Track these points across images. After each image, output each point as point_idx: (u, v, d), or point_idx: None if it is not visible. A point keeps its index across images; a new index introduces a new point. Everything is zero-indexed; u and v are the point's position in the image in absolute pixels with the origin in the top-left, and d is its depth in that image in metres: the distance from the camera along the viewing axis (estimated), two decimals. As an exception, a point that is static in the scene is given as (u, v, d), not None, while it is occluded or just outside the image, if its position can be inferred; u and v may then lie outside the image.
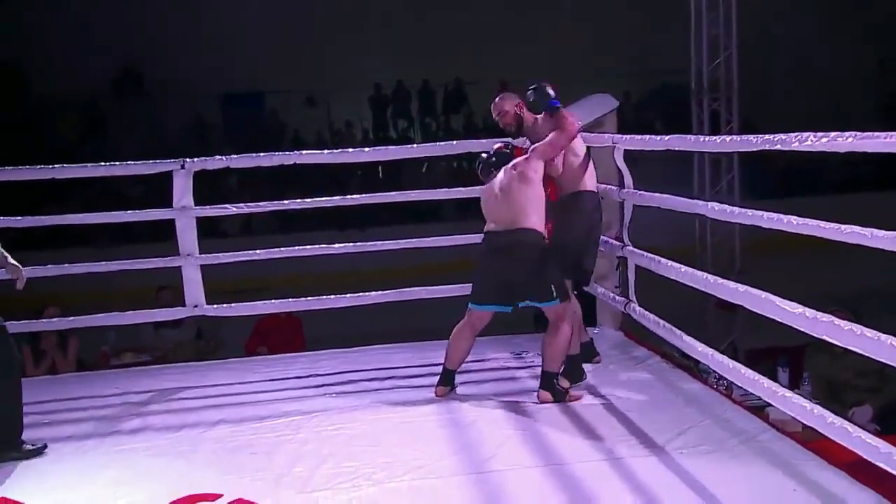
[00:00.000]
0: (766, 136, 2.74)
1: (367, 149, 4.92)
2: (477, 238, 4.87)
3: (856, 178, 12.28)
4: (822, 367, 4.45)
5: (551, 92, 3.99)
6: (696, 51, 7.46)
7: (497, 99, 4.08)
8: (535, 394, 3.78)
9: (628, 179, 4.10)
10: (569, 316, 3.77)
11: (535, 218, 3.75)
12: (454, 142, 5.03)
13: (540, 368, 3.84)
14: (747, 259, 7.66)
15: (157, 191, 9.70)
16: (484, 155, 4.08)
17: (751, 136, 2.89)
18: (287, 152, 4.61)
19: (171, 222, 4.41)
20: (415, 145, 4.99)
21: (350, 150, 4.57)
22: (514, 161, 3.92)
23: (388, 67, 14.91)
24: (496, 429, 3.46)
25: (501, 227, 3.79)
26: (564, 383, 3.86)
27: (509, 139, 4.23)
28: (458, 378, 4.04)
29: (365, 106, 15.31)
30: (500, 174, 3.91)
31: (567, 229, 3.98)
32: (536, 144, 3.92)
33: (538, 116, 4.06)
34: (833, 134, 2.31)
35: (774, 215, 2.70)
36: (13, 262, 3.43)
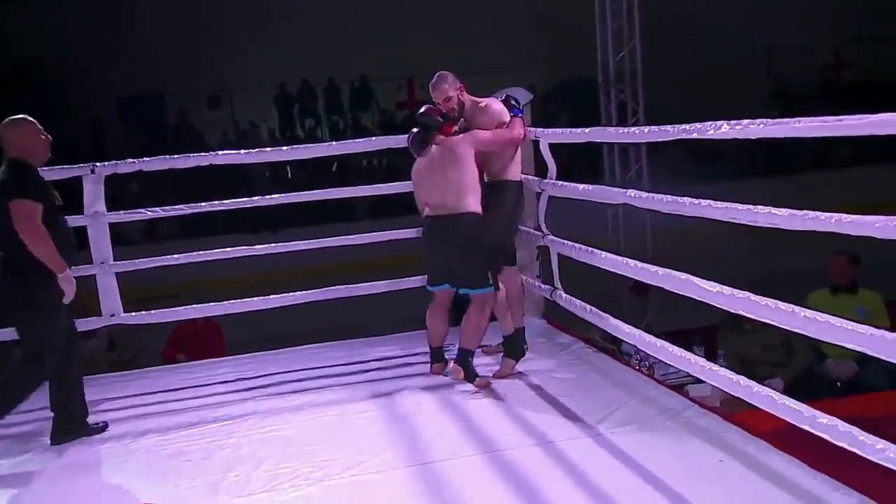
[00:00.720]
0: (683, 126, 2.88)
1: (285, 147, 4.86)
2: (393, 235, 4.98)
3: (752, 166, 12.95)
4: (734, 345, 4.71)
5: (521, 99, 4.11)
6: (602, 43, 7.69)
7: (435, 80, 3.98)
8: (467, 384, 3.87)
9: (552, 170, 4.21)
10: (493, 303, 3.92)
11: (473, 199, 3.83)
12: (373, 138, 5.05)
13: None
14: (657, 250, 7.96)
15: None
16: (415, 130, 4.02)
17: (667, 126, 3.02)
18: (201, 153, 4.51)
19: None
20: (335, 142, 4.96)
21: (268, 149, 4.51)
22: (445, 139, 3.94)
23: (292, 66, 14.74)
24: (431, 421, 3.52)
25: (441, 211, 3.86)
26: (509, 364, 4.02)
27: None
28: (386, 374, 4.15)
29: (270, 105, 15.11)
30: (431, 154, 3.93)
31: (489, 218, 4.03)
32: (477, 131, 3.93)
33: (478, 99, 4.06)
34: (745, 122, 2.45)
35: (695, 200, 2.84)
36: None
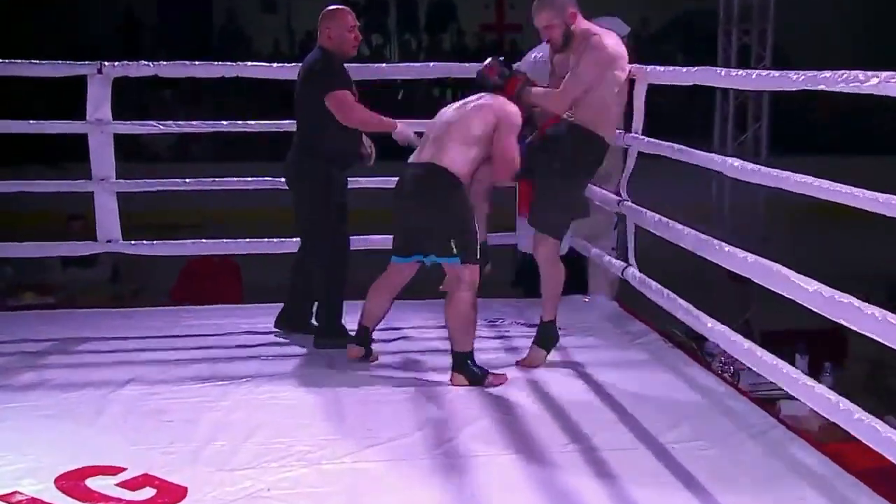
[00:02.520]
0: (808, 73, 2.68)
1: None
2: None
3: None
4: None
5: (617, 31, 3.90)
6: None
7: (541, 5, 3.78)
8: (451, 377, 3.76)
9: (639, 122, 4.05)
10: (471, 283, 3.63)
11: (459, 159, 3.61)
12: (430, 63, 4.96)
13: (519, 337, 3.88)
14: (774, 226, 7.70)
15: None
16: (490, 61, 3.84)
17: (789, 73, 2.83)
18: (228, 62, 4.50)
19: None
20: (386, 65, 4.90)
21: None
22: (490, 100, 3.73)
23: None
24: (461, 407, 3.47)
25: (417, 159, 3.71)
26: (539, 355, 3.89)
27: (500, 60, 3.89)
28: (424, 345, 4.07)
29: (333, 14, 15.11)
30: (460, 104, 3.79)
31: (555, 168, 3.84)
32: (510, 120, 3.69)
33: (592, 28, 3.79)
34: (886, 74, 2.24)
35: (802, 177, 2.67)
36: None
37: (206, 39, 14.30)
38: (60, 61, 4.21)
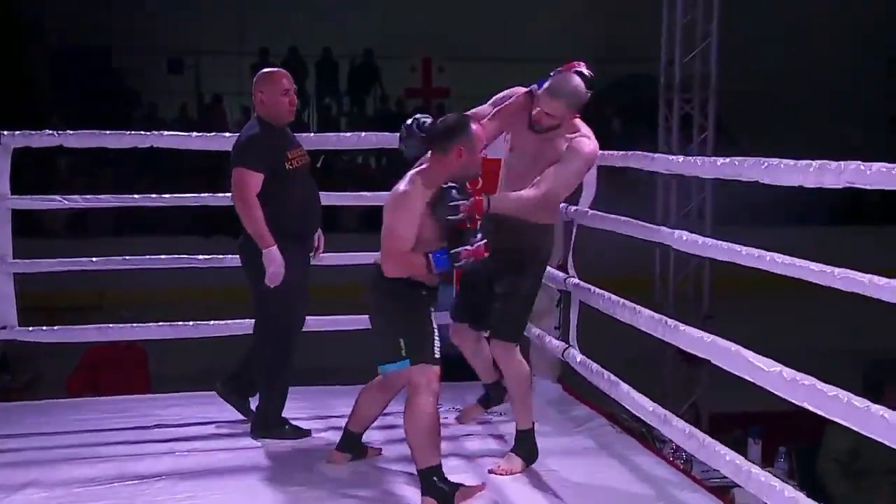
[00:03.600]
0: (755, 160, 2.84)
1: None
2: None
3: (857, 208, 12.89)
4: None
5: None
6: (668, 39, 7.70)
7: (561, 91, 3.61)
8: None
9: (589, 195, 4.19)
10: (428, 386, 3.43)
11: (384, 260, 3.44)
12: (364, 134, 5.02)
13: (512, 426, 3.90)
14: (717, 301, 7.93)
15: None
16: (408, 122, 3.71)
17: (735, 159, 2.98)
18: (141, 132, 4.53)
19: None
20: (315, 134, 4.96)
21: (227, 134, 4.52)
22: (422, 165, 3.55)
23: (278, 30, 14.86)
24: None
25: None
26: (516, 464, 3.85)
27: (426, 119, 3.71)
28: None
29: (245, 76, 15.21)
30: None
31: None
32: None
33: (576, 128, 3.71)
34: (877, 165, 2.35)
35: (756, 251, 2.81)
36: None
37: (104, 103, 14.25)
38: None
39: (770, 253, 2.74)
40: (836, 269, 2.53)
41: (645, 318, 3.54)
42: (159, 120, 13.77)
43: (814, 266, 2.62)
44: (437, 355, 3.47)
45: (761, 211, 11.32)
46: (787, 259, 2.65)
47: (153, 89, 14.93)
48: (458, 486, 3.48)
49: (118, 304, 7.94)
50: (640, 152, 3.84)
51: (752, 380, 2.80)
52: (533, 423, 3.93)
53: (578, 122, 3.74)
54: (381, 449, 3.98)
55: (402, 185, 3.46)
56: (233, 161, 3.99)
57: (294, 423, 4.23)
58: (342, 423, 3.95)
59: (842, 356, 6.28)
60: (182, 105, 14.57)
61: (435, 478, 3.42)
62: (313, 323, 4.46)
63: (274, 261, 3.93)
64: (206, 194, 4.63)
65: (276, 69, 4.23)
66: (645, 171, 4.24)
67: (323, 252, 4.37)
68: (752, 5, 13.05)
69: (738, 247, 2.93)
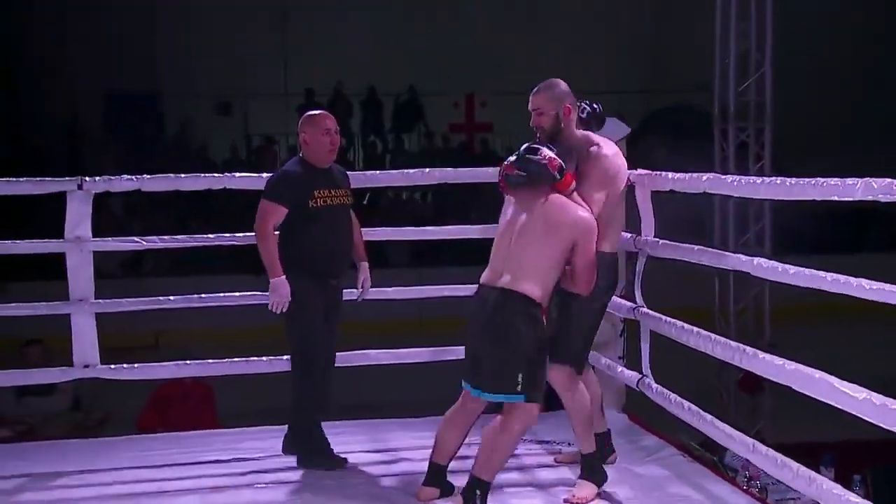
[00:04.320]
0: (819, 181, 2.89)
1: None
2: (443, 290, 5.05)
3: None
4: None
5: (615, 134, 4.09)
6: (721, 68, 7.75)
7: (539, 88, 3.88)
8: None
9: (649, 225, 4.24)
10: (527, 420, 3.59)
11: (533, 284, 3.58)
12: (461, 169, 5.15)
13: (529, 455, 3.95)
14: (776, 330, 7.90)
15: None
16: (522, 149, 3.72)
17: (800, 180, 3.04)
18: (214, 174, 4.67)
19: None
20: (408, 171, 5.06)
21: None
22: (555, 197, 3.66)
23: (323, 70, 15.08)
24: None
25: (495, 280, 3.65)
26: (588, 490, 3.87)
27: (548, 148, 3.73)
28: (418, 465, 4.08)
29: (292, 116, 15.44)
30: (526, 206, 3.68)
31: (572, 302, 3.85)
32: (587, 235, 3.66)
33: (592, 137, 3.92)
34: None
35: (841, 277, 2.84)
36: None
37: (154, 146, 14.54)
38: (41, 178, 4.34)
39: (855, 278, 2.77)
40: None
41: (722, 346, 3.57)
42: (210, 161, 14.01)
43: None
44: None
45: (812, 239, 11.33)
46: (875, 284, 2.68)
47: (202, 132, 15.19)
48: None
49: (173, 344, 8.07)
50: (717, 174, 3.88)
51: (838, 406, 2.82)
52: (598, 447, 3.96)
53: (594, 136, 3.93)
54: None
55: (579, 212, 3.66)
56: (262, 192, 4.19)
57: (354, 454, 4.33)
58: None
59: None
60: (232, 147, 14.80)
61: (479, 491, 3.56)
62: (371, 356, 4.57)
63: (276, 290, 4.09)
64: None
65: (319, 111, 4.40)
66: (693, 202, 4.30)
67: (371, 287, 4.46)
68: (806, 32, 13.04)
69: (822, 273, 2.95)
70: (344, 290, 4.37)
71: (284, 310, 4.11)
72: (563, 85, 3.90)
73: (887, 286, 2.64)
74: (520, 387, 3.53)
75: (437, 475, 3.83)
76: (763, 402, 7.38)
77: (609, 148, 3.92)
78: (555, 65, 15.41)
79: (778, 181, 3.16)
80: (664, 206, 4.35)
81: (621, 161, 3.96)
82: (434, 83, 15.35)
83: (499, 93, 15.00)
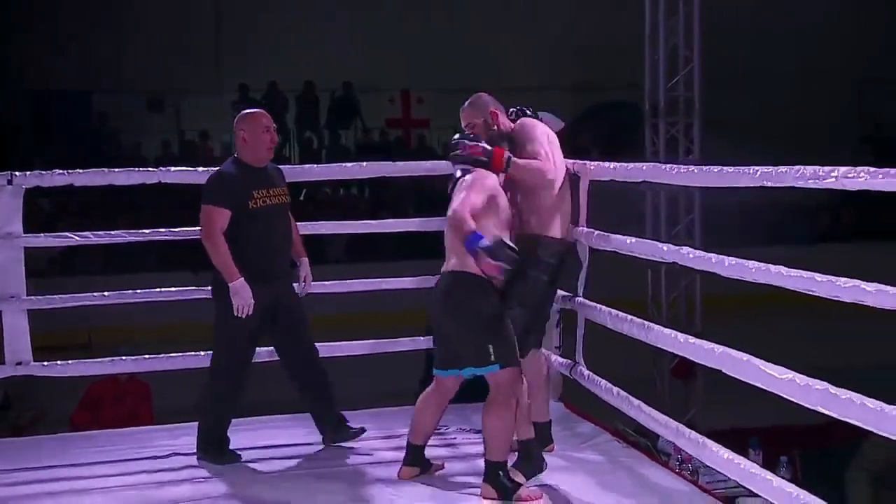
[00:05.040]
0: (764, 170, 2.98)
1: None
2: (382, 284, 5.10)
3: (835, 227, 13.18)
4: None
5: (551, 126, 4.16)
6: (651, 66, 7.89)
7: (464, 106, 4.12)
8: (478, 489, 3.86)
9: (583, 217, 4.32)
10: (514, 388, 3.72)
11: (469, 259, 3.68)
12: (399, 163, 5.17)
13: (467, 444, 4.00)
14: (706, 321, 8.06)
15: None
16: (455, 137, 3.98)
17: (743, 168, 3.13)
18: (149, 168, 4.63)
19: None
20: (341, 165, 5.08)
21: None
22: (468, 179, 3.84)
23: (257, 66, 14.97)
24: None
25: (444, 265, 3.82)
26: (518, 477, 3.88)
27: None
28: (360, 459, 4.16)
29: (226, 113, 15.27)
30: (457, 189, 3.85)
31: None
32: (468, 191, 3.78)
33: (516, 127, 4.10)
34: (843, 169, 2.54)
35: (763, 265, 2.93)
36: None
37: (85, 145, 14.29)
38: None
39: (777, 266, 2.86)
40: (842, 280, 2.64)
41: (656, 333, 3.66)
42: (142, 159, 13.81)
43: (819, 277, 2.74)
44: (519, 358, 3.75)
45: (742, 231, 11.58)
46: (795, 272, 2.77)
47: (134, 129, 14.98)
48: (519, 485, 3.71)
49: (106, 342, 7.98)
50: (655, 164, 3.98)
51: (764, 387, 2.92)
52: (537, 435, 4.05)
53: (528, 121, 4.15)
54: (443, 463, 4.08)
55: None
56: (201, 198, 4.16)
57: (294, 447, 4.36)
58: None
59: (835, 373, 6.42)
60: (164, 143, 14.63)
61: (501, 472, 3.68)
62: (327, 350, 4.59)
63: (237, 293, 4.07)
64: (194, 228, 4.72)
65: (256, 109, 4.40)
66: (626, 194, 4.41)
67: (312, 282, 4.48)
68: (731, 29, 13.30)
69: (745, 262, 3.04)
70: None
71: (250, 312, 4.09)
72: (484, 96, 4.13)
73: (805, 273, 2.73)
74: (493, 356, 3.65)
75: (415, 454, 3.99)
76: (695, 388, 7.54)
77: (533, 127, 4.11)
78: (489, 62, 15.50)
79: (715, 169, 3.25)
80: (601, 199, 4.45)
81: (549, 130, 4.14)
82: (369, 79, 15.33)
83: (434, 89, 15.09)
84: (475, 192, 3.73)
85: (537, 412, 4.14)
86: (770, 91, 14.55)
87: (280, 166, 4.49)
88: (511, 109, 4.21)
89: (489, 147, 3.87)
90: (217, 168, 4.29)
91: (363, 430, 4.38)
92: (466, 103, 4.13)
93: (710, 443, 3.36)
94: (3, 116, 14.26)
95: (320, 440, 4.42)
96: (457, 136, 3.97)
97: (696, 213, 7.79)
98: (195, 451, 4.31)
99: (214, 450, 4.24)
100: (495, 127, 4.04)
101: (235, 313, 4.08)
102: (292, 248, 4.38)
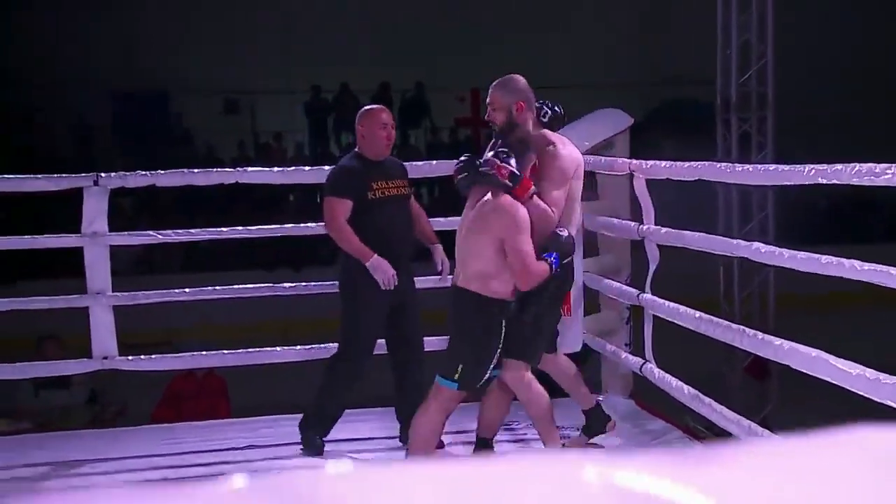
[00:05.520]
0: (817, 167, 2.99)
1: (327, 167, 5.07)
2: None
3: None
4: None
5: (616, 126, 4.22)
6: (723, 61, 7.84)
7: (495, 83, 3.92)
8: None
9: (649, 213, 4.35)
10: (441, 407, 3.79)
11: (480, 280, 3.68)
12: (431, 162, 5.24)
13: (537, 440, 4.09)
14: (780, 319, 7.97)
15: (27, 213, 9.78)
16: (463, 158, 3.88)
17: (795, 167, 3.14)
18: (227, 169, 4.79)
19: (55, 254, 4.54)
20: (411, 164, 5.16)
21: (307, 168, 4.77)
22: (489, 207, 3.67)
23: (330, 67, 15.17)
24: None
25: (455, 279, 3.83)
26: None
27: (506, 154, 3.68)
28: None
29: (298, 114, 15.52)
30: (472, 204, 3.77)
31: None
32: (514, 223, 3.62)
33: (550, 136, 3.92)
34: None
35: (835, 259, 2.93)
36: None
37: (163, 143, 14.66)
38: (57, 175, 4.47)
39: (850, 260, 2.86)
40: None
41: (723, 329, 3.67)
42: (217, 160, 14.11)
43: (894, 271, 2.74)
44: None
45: (816, 230, 11.42)
46: (868, 266, 2.77)
47: (210, 131, 15.28)
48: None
49: (185, 341, 8.19)
50: (710, 162, 3.99)
51: (834, 381, 2.93)
52: (594, 415, 4.20)
53: (550, 135, 3.93)
54: (443, 442, 4.18)
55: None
56: (324, 191, 4.35)
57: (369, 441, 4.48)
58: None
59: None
60: (240, 144, 14.90)
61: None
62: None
63: (377, 269, 4.17)
64: (290, 225, 4.86)
65: (376, 106, 4.58)
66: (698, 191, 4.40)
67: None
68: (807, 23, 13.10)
69: (816, 256, 3.05)
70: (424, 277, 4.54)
71: (396, 284, 4.20)
72: (520, 82, 3.90)
73: (880, 266, 2.73)
74: (456, 375, 3.72)
75: (484, 448, 4.09)
76: (770, 387, 7.47)
77: (565, 147, 3.91)
78: (557, 59, 15.42)
79: (770, 167, 3.26)
80: (669, 196, 4.45)
81: (577, 156, 3.96)
82: (440, 79, 15.41)
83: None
84: (526, 240, 3.63)
85: (583, 402, 4.25)
86: (848, 86, 14.29)
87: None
88: (544, 109, 4.07)
89: (518, 173, 3.62)
90: (340, 160, 4.48)
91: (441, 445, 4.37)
92: (499, 82, 3.89)
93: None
94: (83, 118, 14.66)
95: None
96: (490, 154, 3.69)
97: (770, 209, 7.70)
98: (271, 443, 4.46)
99: (309, 433, 4.39)
100: (515, 122, 3.81)
101: (382, 287, 4.17)
102: (422, 237, 4.52)
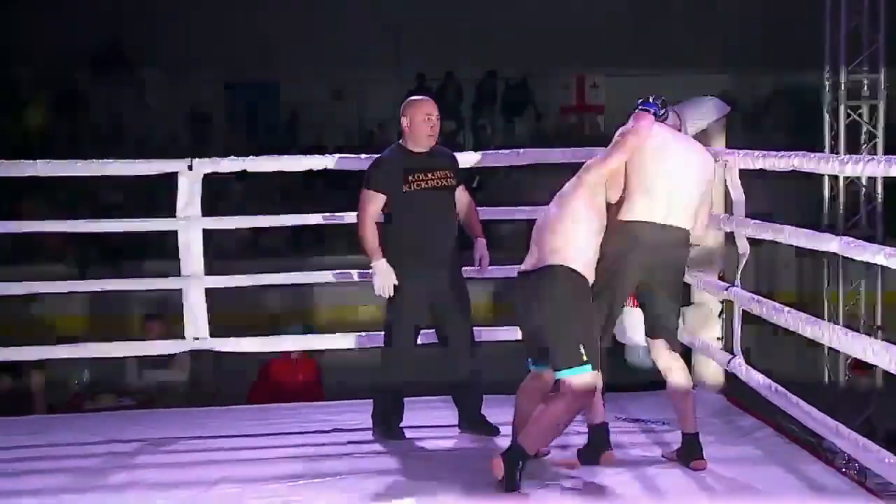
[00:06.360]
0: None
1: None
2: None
3: None
4: None
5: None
6: (832, 46, 7.56)
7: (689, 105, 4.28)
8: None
9: (740, 203, 4.22)
10: (585, 394, 3.67)
11: (572, 249, 3.69)
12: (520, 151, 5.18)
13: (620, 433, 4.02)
14: (888, 314, 7.68)
15: (140, 196, 10.11)
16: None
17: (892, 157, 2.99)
18: (314, 156, 4.84)
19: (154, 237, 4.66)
20: (521, 151, 5.12)
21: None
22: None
23: (436, 55, 15.19)
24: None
25: (529, 263, 3.79)
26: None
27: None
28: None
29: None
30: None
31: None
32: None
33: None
34: None
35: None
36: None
37: (273, 130, 14.95)
38: (152, 159, 4.59)
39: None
40: None
41: (812, 325, 3.54)
42: (323, 147, 14.29)
43: None
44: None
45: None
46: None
47: (318, 119, 15.47)
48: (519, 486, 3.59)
49: (286, 324, 8.34)
50: (803, 152, 3.83)
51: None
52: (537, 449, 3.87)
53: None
54: (549, 450, 4.01)
55: None
56: (362, 182, 4.37)
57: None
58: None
59: None
60: (347, 132, 15.07)
61: (521, 462, 3.59)
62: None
63: (378, 273, 4.24)
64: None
65: (422, 97, 4.52)
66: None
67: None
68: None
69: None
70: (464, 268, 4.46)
71: (391, 293, 4.25)
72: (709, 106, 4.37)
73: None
74: (584, 356, 3.63)
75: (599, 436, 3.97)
76: (874, 386, 7.18)
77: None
78: (662, 43, 15.09)
79: (866, 158, 3.11)
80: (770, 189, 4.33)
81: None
82: (545, 66, 15.28)
83: (609, 74, 14.94)
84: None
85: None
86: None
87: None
88: (653, 103, 4.01)
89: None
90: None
91: (498, 431, 4.34)
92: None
93: (870, 444, 3.23)
94: (196, 106, 15.03)
95: None
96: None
97: (879, 200, 7.40)
98: (356, 426, 4.50)
99: (382, 425, 4.43)
100: None
101: (376, 293, 4.25)
102: (468, 229, 4.46)
